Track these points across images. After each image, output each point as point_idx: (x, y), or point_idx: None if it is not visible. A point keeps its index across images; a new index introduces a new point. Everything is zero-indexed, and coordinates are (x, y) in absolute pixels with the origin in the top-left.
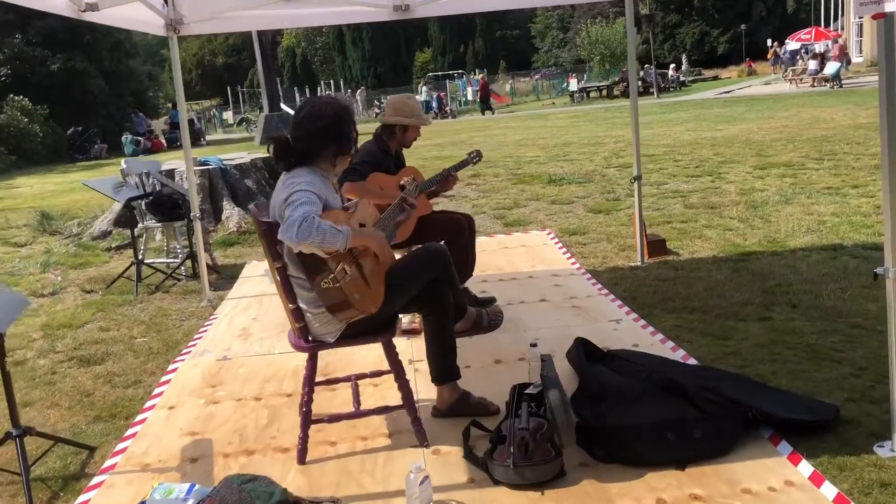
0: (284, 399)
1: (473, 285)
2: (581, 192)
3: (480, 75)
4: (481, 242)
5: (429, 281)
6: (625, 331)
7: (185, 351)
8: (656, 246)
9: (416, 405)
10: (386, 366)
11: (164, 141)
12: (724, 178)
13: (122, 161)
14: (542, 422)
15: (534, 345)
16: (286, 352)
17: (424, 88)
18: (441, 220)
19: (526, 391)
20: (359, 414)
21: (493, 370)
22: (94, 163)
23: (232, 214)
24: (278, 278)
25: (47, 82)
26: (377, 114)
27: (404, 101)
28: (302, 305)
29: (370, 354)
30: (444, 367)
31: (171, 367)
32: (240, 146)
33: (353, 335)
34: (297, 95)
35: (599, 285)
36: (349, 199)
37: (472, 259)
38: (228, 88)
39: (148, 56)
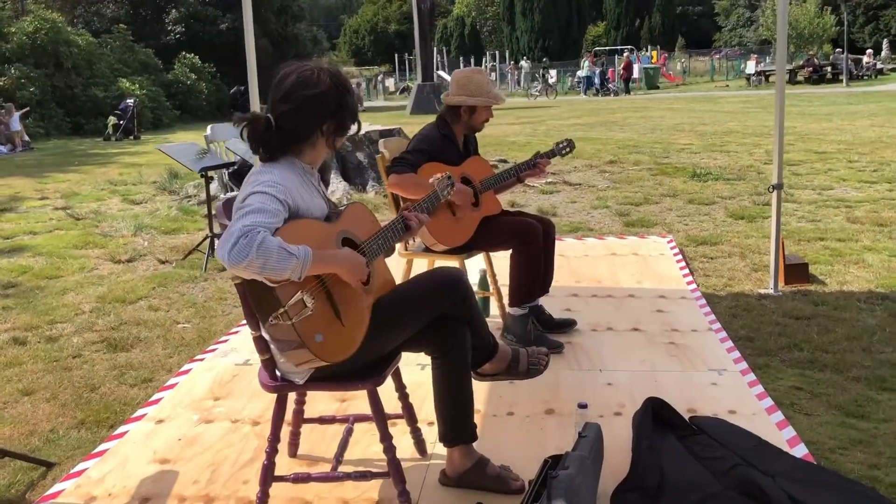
0: (284, 429)
1: (559, 299)
2: (727, 192)
3: (626, 54)
4: (587, 245)
5: (437, 317)
6: (725, 387)
7: (211, 348)
8: (796, 271)
9: (418, 465)
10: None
11: None
12: None
13: (208, 127)
14: None
15: (583, 406)
16: None
17: (585, 63)
18: (509, 223)
19: (555, 471)
20: (330, 477)
21: (541, 423)
22: None
23: (337, 189)
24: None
25: (216, 41)
26: (537, 89)
27: (470, 76)
28: (264, 334)
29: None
30: (454, 425)
31: (185, 366)
32: (392, 115)
33: (326, 378)
34: (461, 65)
35: (713, 317)
36: (397, 195)
37: (547, 273)
38: (396, 56)
39: (328, 20)
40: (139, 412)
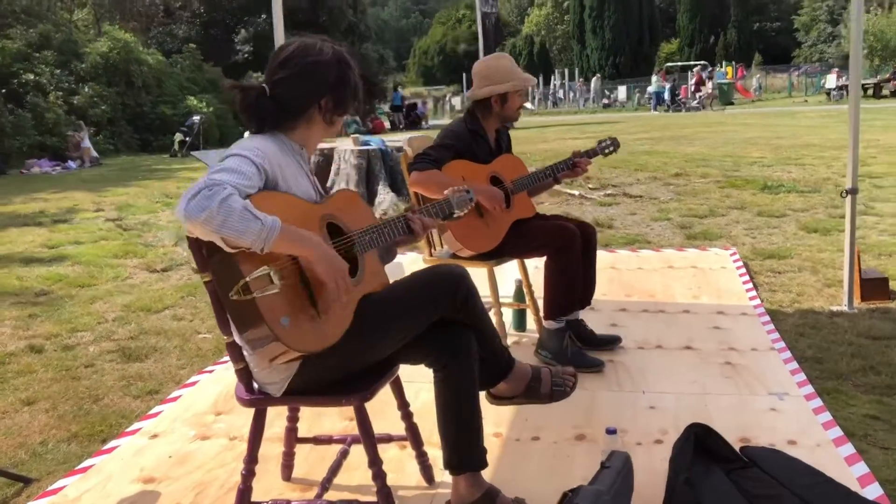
0: (275, 449)
1: (606, 314)
2: (799, 204)
3: (696, 69)
4: (642, 258)
5: (437, 321)
6: (787, 413)
7: (223, 359)
8: (874, 286)
9: (423, 494)
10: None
11: (386, 122)
12: None
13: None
14: None
15: (611, 431)
16: None
17: (654, 78)
18: (544, 226)
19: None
20: None
21: (569, 450)
22: None
23: (384, 200)
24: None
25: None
26: (605, 104)
27: (492, 63)
28: (237, 339)
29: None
30: (459, 450)
31: (193, 378)
32: None
33: (306, 390)
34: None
35: (776, 335)
36: (416, 193)
37: (588, 284)
38: (464, 75)
39: (399, 42)
40: (134, 426)
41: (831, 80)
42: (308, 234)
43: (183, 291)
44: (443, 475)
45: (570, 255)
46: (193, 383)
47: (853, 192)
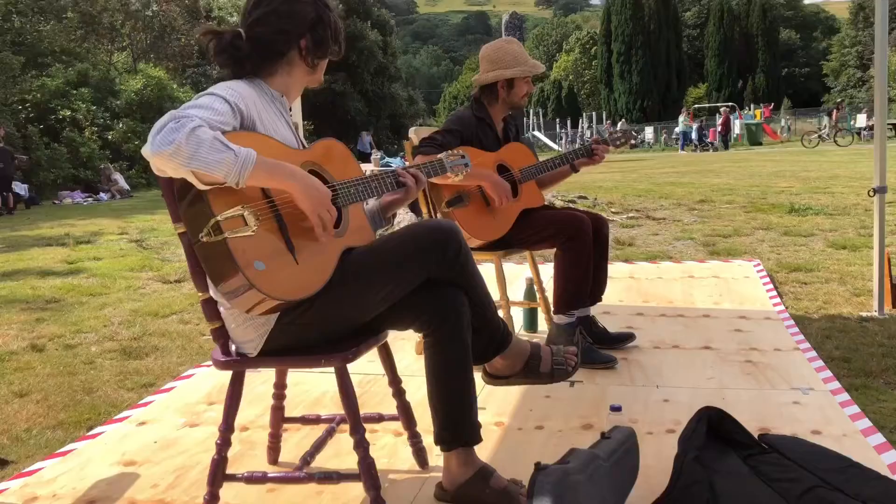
0: (261, 433)
1: (621, 317)
2: (828, 225)
3: (724, 109)
4: (662, 268)
5: (426, 280)
6: (811, 406)
7: None
8: None
9: (416, 478)
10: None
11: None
12: None
13: None
14: None
15: (615, 408)
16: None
17: (681, 118)
18: (553, 215)
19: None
20: (288, 478)
21: (574, 438)
22: None
23: (403, 219)
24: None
25: (314, 100)
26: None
27: (502, 46)
28: (213, 294)
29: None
30: (450, 423)
31: (189, 371)
32: None
33: (283, 350)
34: (557, 127)
35: (801, 336)
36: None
37: (599, 278)
38: None
39: (430, 88)
40: (123, 414)
41: (861, 120)
42: (287, 165)
43: (193, 299)
44: (438, 459)
45: (582, 244)
46: (189, 376)
47: (882, 190)
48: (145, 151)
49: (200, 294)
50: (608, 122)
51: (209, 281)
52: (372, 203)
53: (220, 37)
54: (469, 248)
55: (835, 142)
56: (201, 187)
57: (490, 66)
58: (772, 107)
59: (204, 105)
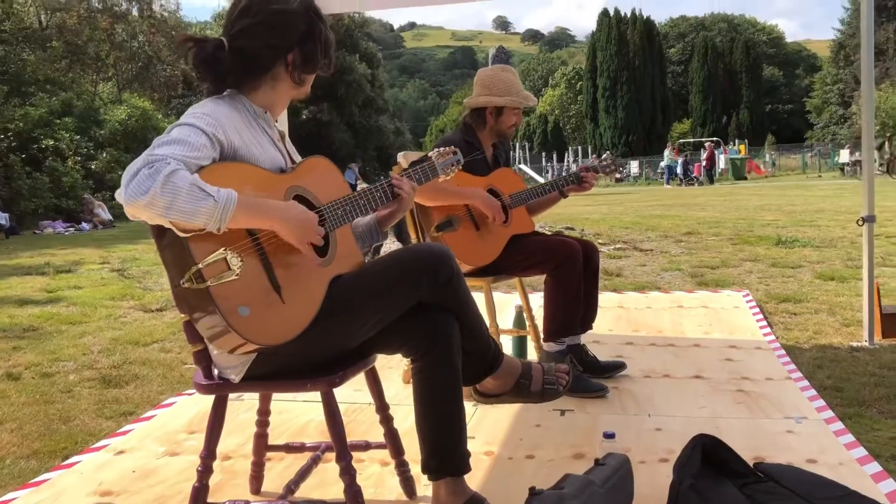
0: (244, 462)
1: (611, 346)
2: (815, 257)
3: (708, 143)
4: (651, 298)
5: (416, 306)
6: (805, 435)
7: None
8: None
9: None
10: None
11: None
12: None
13: None
14: None
15: (609, 435)
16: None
17: (667, 153)
18: (543, 241)
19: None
20: None
21: (565, 467)
22: None
23: (390, 249)
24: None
25: (300, 131)
26: (618, 179)
27: (496, 73)
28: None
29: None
30: (438, 451)
31: (170, 399)
32: None
33: (267, 375)
34: (543, 160)
35: (792, 366)
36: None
37: (590, 306)
38: None
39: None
40: (101, 443)
41: (844, 155)
42: (267, 202)
43: (175, 328)
44: (426, 489)
45: (572, 270)
46: (170, 404)
47: (871, 219)
48: (119, 197)
49: (183, 315)
50: (594, 155)
51: None
52: (369, 218)
53: (202, 46)
54: (461, 270)
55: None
56: (180, 235)
57: (482, 90)
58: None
59: (179, 140)
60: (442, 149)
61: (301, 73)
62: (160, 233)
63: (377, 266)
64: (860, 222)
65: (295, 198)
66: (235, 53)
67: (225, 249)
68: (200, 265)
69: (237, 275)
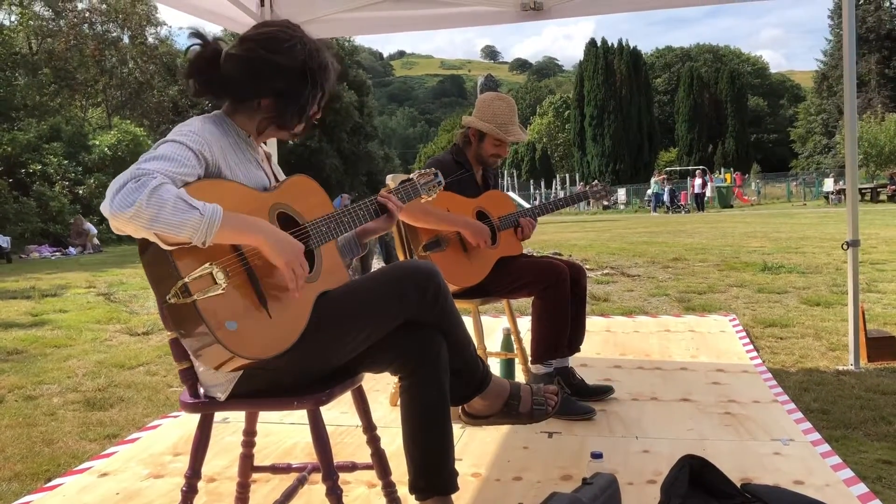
0: (229, 484)
1: (598, 370)
2: (801, 283)
3: (698, 171)
4: (638, 322)
5: (404, 323)
6: (792, 457)
7: None
8: (882, 345)
9: None
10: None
11: None
12: None
13: None
14: None
15: (596, 455)
16: (303, 422)
17: (654, 180)
18: (530, 264)
19: None
20: None
21: (553, 490)
22: None
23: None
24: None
25: (289, 157)
26: (605, 206)
27: (491, 99)
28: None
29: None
30: (426, 470)
31: (155, 421)
32: None
33: (253, 393)
34: (531, 188)
35: (779, 389)
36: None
37: (577, 328)
38: None
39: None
40: (84, 465)
41: (829, 184)
42: (254, 220)
43: (161, 351)
44: None
45: (559, 292)
46: (155, 426)
47: (855, 244)
48: (104, 210)
49: (169, 333)
50: (581, 183)
51: None
52: (349, 232)
53: (204, 46)
54: (448, 288)
55: None
56: (165, 248)
57: (474, 112)
58: (742, 176)
59: (166, 156)
60: (423, 170)
61: (269, 123)
62: (144, 247)
63: (365, 282)
64: (845, 247)
65: (279, 215)
66: (220, 71)
67: (211, 264)
68: (186, 279)
69: (223, 289)
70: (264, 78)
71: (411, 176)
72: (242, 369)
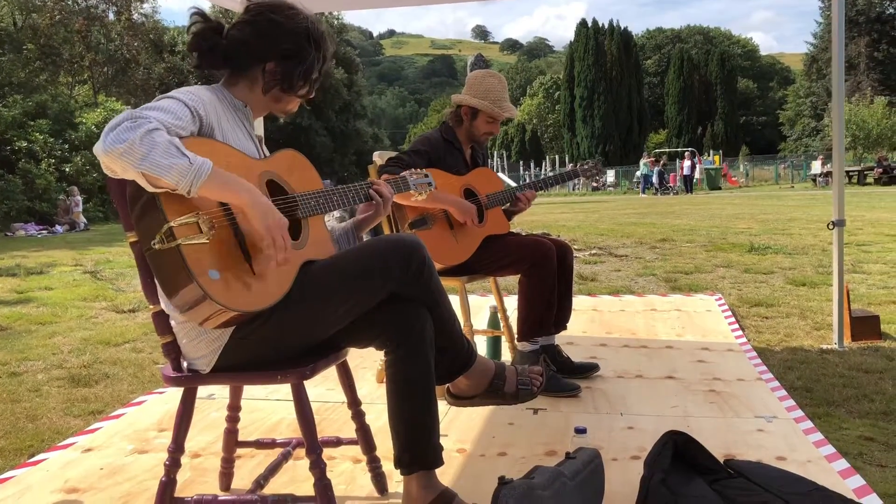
0: (214, 459)
1: (584, 348)
2: (787, 264)
3: (686, 153)
4: (624, 301)
5: (387, 297)
6: (775, 434)
7: None
8: (865, 325)
9: None
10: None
11: None
12: None
13: None
14: None
15: (580, 430)
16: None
17: (643, 162)
18: (517, 241)
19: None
20: (241, 502)
21: (538, 464)
22: None
23: None
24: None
25: (275, 136)
26: (594, 188)
27: (482, 76)
28: (163, 306)
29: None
30: (411, 445)
31: (140, 398)
32: None
33: (237, 366)
34: (521, 169)
35: (763, 367)
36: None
37: (564, 306)
38: None
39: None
40: (68, 441)
41: (816, 166)
42: (242, 181)
43: (147, 328)
44: (398, 486)
45: (546, 270)
46: (140, 402)
47: (840, 223)
48: (96, 149)
49: (151, 307)
50: (571, 164)
51: (160, 293)
52: (347, 223)
53: (205, 23)
54: (433, 264)
55: None
56: (151, 190)
57: (465, 89)
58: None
59: (163, 108)
60: (416, 170)
61: (273, 87)
62: (134, 199)
63: (349, 254)
64: (830, 226)
65: (268, 183)
66: (225, 41)
67: (197, 213)
68: (172, 223)
69: (208, 239)
70: (272, 39)
71: (404, 173)
72: (226, 328)
